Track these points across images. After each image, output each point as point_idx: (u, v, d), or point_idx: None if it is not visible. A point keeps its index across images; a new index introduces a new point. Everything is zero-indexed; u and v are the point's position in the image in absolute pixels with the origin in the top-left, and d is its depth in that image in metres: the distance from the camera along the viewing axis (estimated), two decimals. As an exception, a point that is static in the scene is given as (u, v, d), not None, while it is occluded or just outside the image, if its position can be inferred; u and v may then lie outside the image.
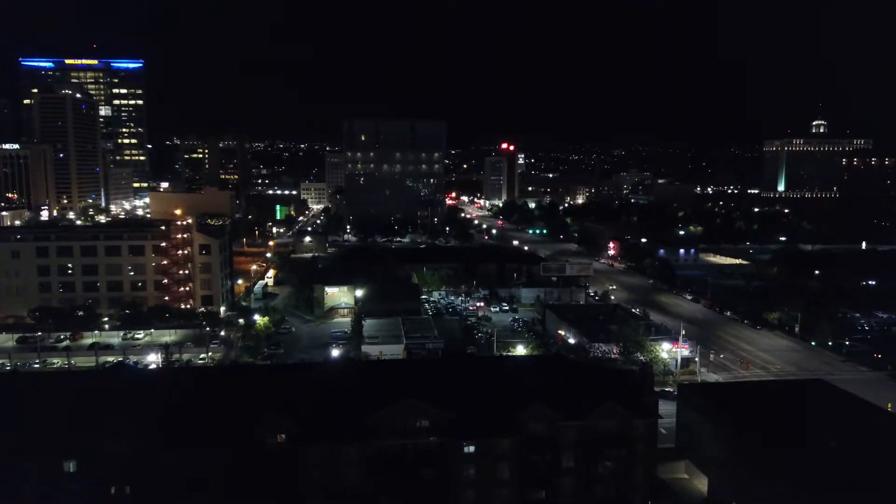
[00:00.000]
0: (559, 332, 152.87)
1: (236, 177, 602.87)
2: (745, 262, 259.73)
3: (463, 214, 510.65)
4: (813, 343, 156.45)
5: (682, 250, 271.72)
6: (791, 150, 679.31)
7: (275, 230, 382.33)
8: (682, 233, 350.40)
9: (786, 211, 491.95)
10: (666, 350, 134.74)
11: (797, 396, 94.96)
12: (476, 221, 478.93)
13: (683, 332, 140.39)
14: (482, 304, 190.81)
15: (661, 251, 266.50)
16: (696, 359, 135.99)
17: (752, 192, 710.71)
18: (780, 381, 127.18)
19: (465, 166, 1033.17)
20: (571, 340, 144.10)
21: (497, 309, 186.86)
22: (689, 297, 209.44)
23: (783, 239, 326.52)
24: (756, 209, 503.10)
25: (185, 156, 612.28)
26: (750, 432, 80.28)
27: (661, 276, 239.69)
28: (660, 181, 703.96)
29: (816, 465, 72.42)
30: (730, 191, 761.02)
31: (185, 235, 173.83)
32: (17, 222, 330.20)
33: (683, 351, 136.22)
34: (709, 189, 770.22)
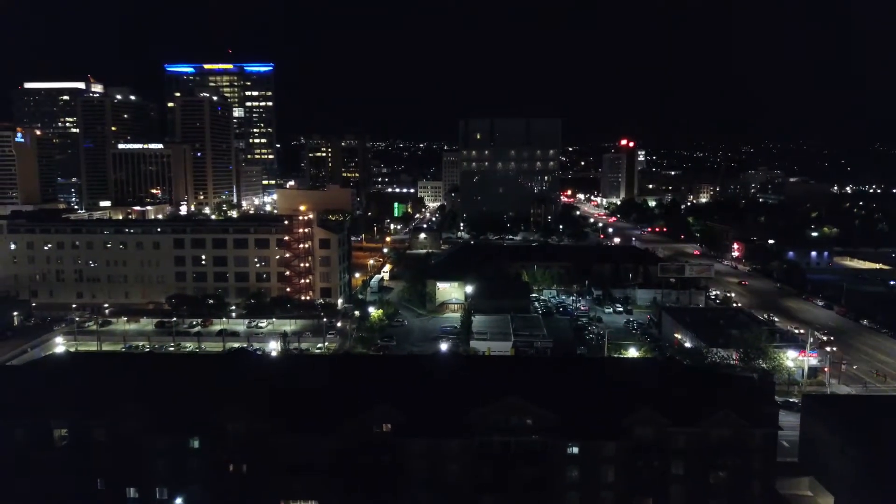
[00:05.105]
0: (675, 335, 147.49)
1: (357, 175, 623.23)
2: (886, 268, 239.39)
3: (578, 212, 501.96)
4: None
5: (813, 253, 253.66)
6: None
7: (392, 227, 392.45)
8: (814, 234, 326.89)
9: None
10: (791, 358, 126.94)
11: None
12: (591, 220, 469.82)
13: (812, 339, 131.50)
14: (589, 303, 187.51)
15: (790, 253, 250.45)
16: (826, 369, 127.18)
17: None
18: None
19: (582, 163, 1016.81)
20: (688, 344, 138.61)
21: (610, 310, 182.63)
22: (821, 303, 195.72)
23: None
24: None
25: (310, 155, 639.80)
26: (886, 451, 74.09)
27: (789, 280, 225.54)
28: (791, 179, 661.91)
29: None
30: (871, 190, 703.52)
31: (306, 230, 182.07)
32: (160, 216, 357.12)
33: (811, 360, 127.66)
34: (847, 188, 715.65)
